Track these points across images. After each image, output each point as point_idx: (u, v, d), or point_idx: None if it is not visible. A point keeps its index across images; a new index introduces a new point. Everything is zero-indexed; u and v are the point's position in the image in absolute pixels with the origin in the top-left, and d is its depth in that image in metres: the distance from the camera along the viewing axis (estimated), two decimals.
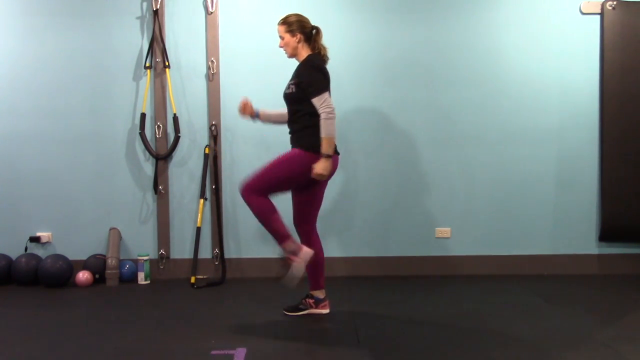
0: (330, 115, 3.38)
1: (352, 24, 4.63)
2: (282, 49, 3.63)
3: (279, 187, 3.51)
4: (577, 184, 4.68)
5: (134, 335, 3.36)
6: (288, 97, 3.56)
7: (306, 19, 3.59)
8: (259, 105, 4.68)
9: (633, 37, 4.56)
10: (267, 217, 3.45)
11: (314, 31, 3.56)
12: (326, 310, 3.70)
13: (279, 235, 3.44)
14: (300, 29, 3.52)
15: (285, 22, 3.56)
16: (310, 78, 3.42)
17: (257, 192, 3.45)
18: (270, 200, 3.49)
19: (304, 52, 3.54)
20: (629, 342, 3.14)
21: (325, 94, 3.41)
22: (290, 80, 3.54)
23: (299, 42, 3.52)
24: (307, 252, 3.42)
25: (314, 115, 3.41)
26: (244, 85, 4.62)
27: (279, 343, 3.23)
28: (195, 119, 4.64)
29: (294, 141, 3.54)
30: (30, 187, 4.67)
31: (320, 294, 3.69)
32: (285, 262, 3.49)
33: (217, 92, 4.62)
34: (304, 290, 3.76)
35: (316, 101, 3.39)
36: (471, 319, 3.58)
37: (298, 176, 3.47)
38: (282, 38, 3.57)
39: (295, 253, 3.41)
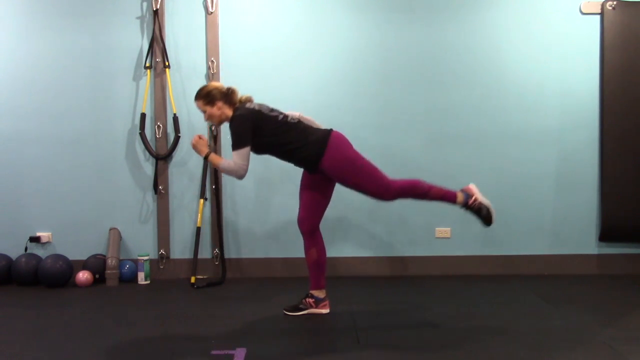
0: (232, 172, 3.40)
1: (351, 24, 4.63)
2: (207, 122, 3.66)
3: (373, 165, 3.48)
4: (577, 184, 4.68)
5: (134, 335, 3.36)
6: (255, 152, 3.52)
7: (217, 84, 3.60)
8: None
9: (633, 37, 4.56)
10: (420, 193, 3.47)
11: (229, 92, 3.55)
12: (326, 310, 3.70)
13: (446, 197, 3.48)
14: (218, 96, 3.51)
15: (200, 96, 3.54)
16: (233, 133, 3.42)
17: (387, 186, 3.44)
18: (401, 180, 3.48)
19: (229, 112, 3.53)
20: (629, 342, 3.13)
21: (243, 151, 3.37)
22: None
23: (220, 109, 3.52)
24: (473, 186, 3.51)
25: (281, 133, 3.42)
26: (244, 85, 4.57)
27: (279, 343, 3.23)
28: (195, 119, 4.64)
29: (314, 168, 3.48)
30: (30, 187, 4.68)
31: (320, 293, 3.69)
32: (472, 209, 3.49)
33: None
34: (304, 290, 3.76)
35: (234, 154, 3.39)
36: (471, 319, 3.58)
37: (353, 152, 3.47)
38: (204, 112, 3.56)
39: (470, 195, 3.48)
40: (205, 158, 3.56)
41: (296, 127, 3.48)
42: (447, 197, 3.49)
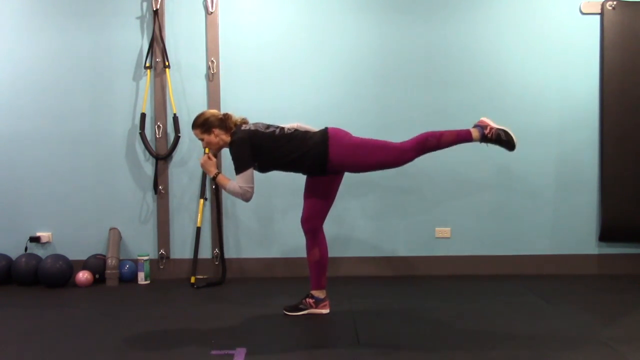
0: (238, 195, 3.42)
1: (352, 24, 4.63)
2: (205, 149, 3.67)
3: (381, 142, 3.50)
4: (577, 184, 4.68)
5: (134, 335, 3.36)
6: (259, 171, 3.57)
7: (213, 111, 3.61)
8: (259, 104, 4.70)
9: (633, 37, 4.56)
10: (434, 142, 3.43)
11: (224, 117, 3.57)
12: (326, 310, 3.70)
13: (461, 137, 3.45)
14: (215, 124, 3.53)
15: (197, 125, 3.56)
16: (234, 158, 3.44)
17: (405, 146, 3.45)
18: (411, 139, 3.47)
19: (226, 138, 3.54)
20: (629, 342, 3.13)
21: (246, 173, 3.39)
22: None
23: (217, 136, 3.53)
24: (483, 120, 3.47)
25: (294, 151, 3.42)
26: (244, 85, 4.62)
27: (279, 343, 3.23)
28: None
29: (322, 170, 3.48)
30: (30, 187, 4.68)
31: (320, 293, 3.69)
32: (491, 140, 3.44)
33: (217, 92, 4.62)
34: (304, 290, 3.76)
35: (238, 178, 3.40)
36: (471, 319, 3.58)
37: (351, 136, 3.50)
38: (202, 140, 3.59)
39: (484, 127, 3.44)
40: (213, 179, 3.58)
41: (294, 136, 3.48)
42: (462, 136, 3.46)
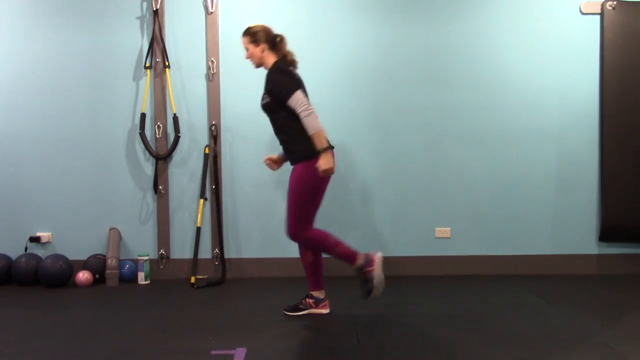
0: (309, 112, 3.34)
1: (352, 24, 4.63)
2: (248, 60, 3.64)
3: (315, 208, 3.51)
4: (577, 184, 4.68)
5: (134, 335, 3.36)
6: (266, 108, 3.55)
7: (269, 28, 3.59)
8: (259, 104, 4.71)
9: (633, 37, 4.56)
10: (327, 246, 3.49)
11: (277, 39, 3.56)
12: (326, 310, 3.70)
13: (348, 257, 3.49)
14: (264, 39, 3.52)
15: (248, 33, 3.56)
16: (279, 83, 3.41)
17: (303, 229, 3.47)
18: (319, 230, 3.51)
19: (270, 60, 3.54)
20: (629, 342, 3.13)
21: (297, 93, 3.37)
22: (264, 91, 3.53)
23: (263, 51, 3.53)
24: (378, 257, 3.48)
25: (296, 119, 3.39)
26: (244, 85, 4.62)
27: (279, 343, 3.23)
28: (195, 119, 4.64)
29: (292, 159, 3.52)
30: (30, 187, 4.68)
31: (320, 294, 3.69)
32: (363, 276, 3.50)
33: (217, 92, 4.62)
34: (304, 290, 3.76)
35: (291, 103, 3.37)
36: (471, 319, 3.58)
37: (320, 186, 3.47)
38: (247, 49, 3.58)
39: (369, 264, 3.46)
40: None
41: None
42: (349, 256, 3.48)
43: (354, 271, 3.53)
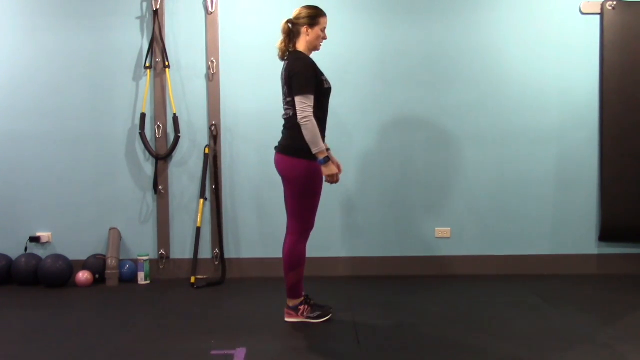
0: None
1: (352, 24, 4.63)
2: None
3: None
4: (577, 184, 4.68)
5: (134, 335, 3.36)
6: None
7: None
8: (259, 104, 4.69)
9: (633, 37, 4.56)
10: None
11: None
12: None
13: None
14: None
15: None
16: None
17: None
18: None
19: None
20: (629, 342, 3.14)
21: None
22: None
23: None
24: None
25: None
26: (243, 85, 4.62)
27: (279, 343, 3.23)
28: (195, 119, 4.64)
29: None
30: (30, 187, 4.67)
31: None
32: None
33: (217, 92, 4.62)
34: (305, 290, 3.75)
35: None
36: (471, 319, 3.59)
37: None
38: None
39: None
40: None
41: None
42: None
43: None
